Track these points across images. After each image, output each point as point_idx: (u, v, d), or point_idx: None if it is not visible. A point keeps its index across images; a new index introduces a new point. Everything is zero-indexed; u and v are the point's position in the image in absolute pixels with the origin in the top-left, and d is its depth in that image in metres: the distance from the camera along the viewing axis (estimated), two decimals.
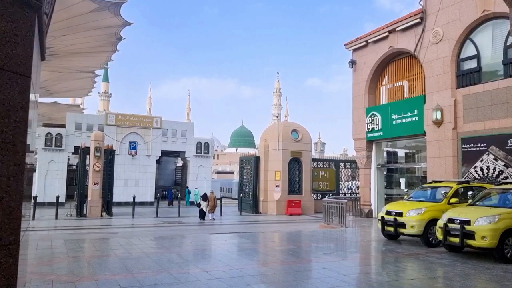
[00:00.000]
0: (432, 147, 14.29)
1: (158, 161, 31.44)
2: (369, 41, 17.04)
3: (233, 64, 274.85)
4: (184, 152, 31.64)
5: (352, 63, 17.79)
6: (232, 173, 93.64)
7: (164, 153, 31.38)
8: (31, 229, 15.58)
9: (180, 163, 39.44)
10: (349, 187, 28.00)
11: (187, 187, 33.41)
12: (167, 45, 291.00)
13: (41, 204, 25.53)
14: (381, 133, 16.70)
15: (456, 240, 8.55)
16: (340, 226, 13.50)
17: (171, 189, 32.08)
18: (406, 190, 13.11)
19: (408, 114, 15.40)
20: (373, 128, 16.96)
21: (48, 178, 26.93)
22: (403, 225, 9.77)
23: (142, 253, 8.18)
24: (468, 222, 8.40)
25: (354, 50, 17.94)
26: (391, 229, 10.08)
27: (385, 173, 17.69)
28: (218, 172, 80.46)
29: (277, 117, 27.95)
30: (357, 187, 28.59)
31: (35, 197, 20.33)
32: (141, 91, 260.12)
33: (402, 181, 16.80)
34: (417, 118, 15.08)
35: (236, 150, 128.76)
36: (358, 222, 15.18)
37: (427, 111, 14.58)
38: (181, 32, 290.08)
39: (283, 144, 24.40)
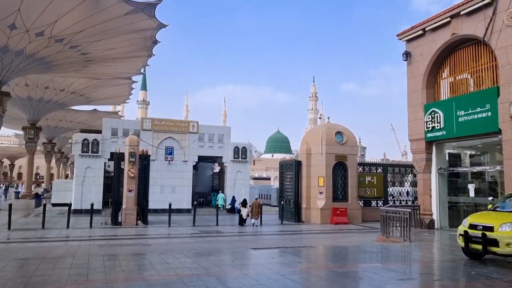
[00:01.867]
0: (510, 147, 12.19)
1: (194, 167, 30.45)
2: (426, 29, 15.10)
3: (267, 70, 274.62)
4: (221, 157, 30.48)
5: (407, 55, 15.88)
6: (269, 179, 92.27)
7: (201, 159, 30.34)
8: (63, 239, 14.70)
9: (217, 168, 38.40)
10: (390, 193, 25.71)
11: (213, 192, 33.44)
12: (201, 52, 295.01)
13: (78, 211, 25.05)
14: (443, 132, 14.66)
15: (479, 247, 8.27)
16: (403, 240, 11.65)
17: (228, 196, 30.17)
18: (491, 198, 11.09)
19: (478, 109, 13.33)
20: (433, 127, 14.95)
21: (85, 184, 26.45)
22: (494, 243, 7.88)
23: (175, 277, 6.80)
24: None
25: (409, 40, 16.03)
26: (479, 247, 8.20)
27: (447, 178, 15.57)
28: (255, 178, 79.26)
29: (319, 118, 26.43)
30: (407, 193, 26.35)
31: (70, 205, 19.64)
32: (177, 99, 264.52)
33: (471, 187, 14.64)
34: (489, 114, 13.01)
35: (272, 156, 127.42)
36: (420, 235, 13.24)
37: (502, 106, 12.51)
38: (214, 40, 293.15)
39: (326, 147, 22.66)
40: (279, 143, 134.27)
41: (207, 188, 37.19)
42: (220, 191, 33.57)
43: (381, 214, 12.78)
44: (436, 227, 15.14)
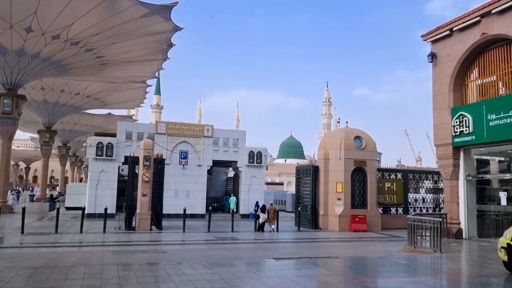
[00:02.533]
0: None
1: (208, 171, 30.01)
2: (454, 29, 14.41)
3: (279, 75, 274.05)
4: (236, 161, 29.97)
5: (432, 56, 15.18)
6: (282, 184, 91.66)
7: (215, 163, 29.89)
8: (76, 244, 14.33)
9: (231, 173, 37.94)
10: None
11: (226, 196, 33.34)
12: (213, 57, 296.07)
13: (92, 215, 24.76)
14: (472, 137, 13.92)
15: None
16: (433, 251, 10.95)
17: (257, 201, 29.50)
18: None
19: (511, 113, 12.56)
20: (461, 131, 14.21)
21: (99, 188, 26.20)
22: None
23: None
24: None
25: (434, 41, 15.34)
26: None
27: (475, 185, 14.78)
28: (267, 183, 78.75)
29: (338, 122, 25.67)
30: (422, 200, 25.48)
31: (84, 209, 19.35)
32: (190, 103, 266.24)
33: (502, 195, 13.84)
34: None
35: (285, 161, 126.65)
36: (449, 245, 12.50)
37: None
38: (226, 44, 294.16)
39: (345, 152, 22.01)
40: (292, 148, 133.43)
41: (221, 193, 36.73)
42: (231, 195, 33.22)
43: (408, 223, 12.09)
44: (464, 236, 14.35)
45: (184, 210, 20.41)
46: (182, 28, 27.13)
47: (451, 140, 14.61)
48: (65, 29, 24.90)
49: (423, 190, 25.67)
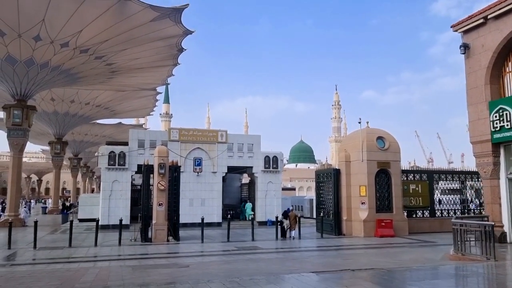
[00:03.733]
0: None
1: (223, 178, 29.14)
2: (489, 17, 13.41)
3: (286, 81, 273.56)
4: (251, 167, 29.05)
5: (465, 47, 14.18)
6: (294, 189, 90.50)
7: (230, 169, 29.01)
8: (92, 259, 13.50)
9: (245, 179, 37.04)
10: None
11: (243, 201, 32.97)
12: (220, 64, 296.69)
13: (106, 227, 24.01)
14: None
15: None
16: (486, 259, 9.90)
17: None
18: None
19: None
20: (502, 126, 13.16)
21: (112, 199, 25.46)
22: None
23: None
24: None
25: (466, 31, 14.34)
26: None
27: None
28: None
29: (359, 122, 24.49)
30: (439, 201, 24.32)
31: (97, 221, 18.56)
32: (198, 111, 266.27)
33: None
34: None
35: (296, 165, 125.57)
36: (497, 251, 11.40)
37: None
38: (233, 52, 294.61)
39: (367, 154, 20.98)
40: (302, 152, 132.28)
41: (236, 200, 35.80)
42: (247, 201, 32.39)
43: (453, 227, 11.05)
44: (508, 241, 13.25)
45: (202, 219, 19.55)
46: (193, 32, 26.43)
47: (490, 136, 13.56)
48: (74, 37, 24.34)
49: (449, 192, 24.54)
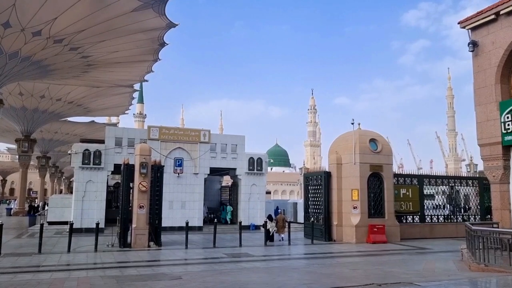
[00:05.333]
0: None
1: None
2: (501, 12, 12.79)
3: (260, 86, 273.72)
4: (235, 169, 27.83)
5: (473, 45, 13.55)
6: (269, 193, 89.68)
7: (213, 171, 27.67)
8: (66, 267, 11.95)
9: (225, 182, 35.77)
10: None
11: (223, 204, 32.41)
12: (194, 67, 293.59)
13: (78, 230, 22.16)
14: None
15: None
16: None
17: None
18: None
19: None
20: None
21: (86, 200, 23.67)
22: None
23: None
24: None
25: (474, 28, 13.70)
26: None
27: None
28: None
29: (352, 123, 23.53)
30: (435, 207, 23.89)
31: (71, 224, 16.88)
32: (171, 113, 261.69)
33: None
34: None
35: (271, 169, 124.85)
36: None
37: None
38: (207, 55, 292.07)
39: (360, 156, 20.17)
40: (278, 156, 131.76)
41: (215, 203, 34.44)
42: (227, 204, 31.23)
43: (472, 235, 10.21)
44: None
45: (187, 223, 18.24)
46: (177, 25, 25.03)
47: (500, 138, 12.90)
48: (48, 25, 22.49)
49: (438, 196, 24.13)
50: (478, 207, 23.85)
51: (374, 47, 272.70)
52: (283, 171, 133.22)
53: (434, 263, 12.11)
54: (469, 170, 58.07)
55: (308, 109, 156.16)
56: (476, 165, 56.21)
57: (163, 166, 18.70)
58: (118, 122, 70.42)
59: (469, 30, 13.92)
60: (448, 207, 24.38)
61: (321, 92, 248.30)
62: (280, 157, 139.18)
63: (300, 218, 28.64)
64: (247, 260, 13.80)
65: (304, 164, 75.45)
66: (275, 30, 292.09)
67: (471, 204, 24.39)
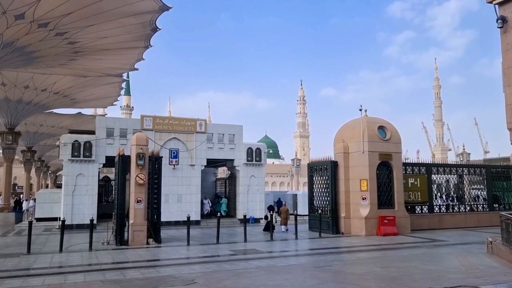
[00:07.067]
0: None
1: None
2: None
3: (247, 77, 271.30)
4: (233, 160, 26.62)
5: (502, 20, 12.55)
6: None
7: (210, 162, 26.42)
8: (59, 270, 10.66)
9: (222, 173, 34.57)
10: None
11: (218, 197, 31.79)
12: (180, 59, 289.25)
13: (69, 227, 20.68)
14: None
15: None
16: None
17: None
18: None
19: None
20: None
21: (76, 195, 22.24)
22: None
23: None
24: None
25: (502, 3, 12.70)
26: None
27: None
28: None
29: (360, 110, 22.41)
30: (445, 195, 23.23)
31: (63, 221, 15.51)
32: (158, 105, 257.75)
33: None
34: None
35: None
36: None
37: None
38: (192, 47, 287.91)
39: (369, 144, 19.16)
40: (267, 148, 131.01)
41: (211, 196, 33.22)
42: (222, 196, 30.17)
43: (507, 223, 9.25)
44: None
45: (188, 218, 17.06)
46: (171, 8, 23.50)
47: None
48: (31, 7, 20.79)
49: (444, 186, 23.40)
50: (485, 196, 23.17)
51: (360, 38, 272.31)
52: (273, 162, 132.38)
53: (467, 257, 11.16)
54: (461, 159, 57.63)
55: (297, 100, 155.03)
56: (469, 154, 55.67)
57: (162, 157, 17.39)
58: (106, 114, 68.33)
59: (497, 6, 12.87)
60: (455, 196, 23.69)
61: (308, 84, 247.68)
62: (270, 149, 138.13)
63: (301, 210, 27.62)
64: (258, 257, 12.68)
65: (296, 155, 74.29)
66: (261, 22, 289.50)
67: (478, 193, 23.73)
